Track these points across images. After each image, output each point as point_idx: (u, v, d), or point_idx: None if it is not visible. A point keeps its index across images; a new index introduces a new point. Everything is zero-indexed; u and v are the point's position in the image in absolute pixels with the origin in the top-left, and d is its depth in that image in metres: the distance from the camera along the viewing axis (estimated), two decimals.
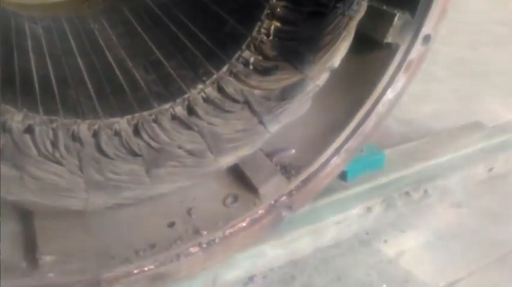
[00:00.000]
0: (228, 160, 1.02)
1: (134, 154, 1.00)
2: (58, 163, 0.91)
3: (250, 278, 1.28)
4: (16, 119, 0.90)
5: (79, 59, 1.28)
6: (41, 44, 1.32)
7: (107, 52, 1.34)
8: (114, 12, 1.59)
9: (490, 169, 1.68)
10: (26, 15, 1.49)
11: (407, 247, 1.43)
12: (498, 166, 1.68)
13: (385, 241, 1.44)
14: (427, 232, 1.48)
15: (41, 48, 1.28)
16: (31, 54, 1.22)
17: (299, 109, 1.06)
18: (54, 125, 0.98)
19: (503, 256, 1.37)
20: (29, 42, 1.28)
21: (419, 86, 2.27)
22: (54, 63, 1.22)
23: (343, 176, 1.43)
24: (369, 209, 1.42)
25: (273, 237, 1.27)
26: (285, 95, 1.05)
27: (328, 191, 1.38)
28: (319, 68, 1.03)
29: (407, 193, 1.49)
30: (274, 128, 1.05)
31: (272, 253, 1.29)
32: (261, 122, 1.05)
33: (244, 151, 1.03)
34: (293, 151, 1.22)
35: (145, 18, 1.49)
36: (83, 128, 1.02)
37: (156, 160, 0.98)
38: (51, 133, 0.96)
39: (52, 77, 1.14)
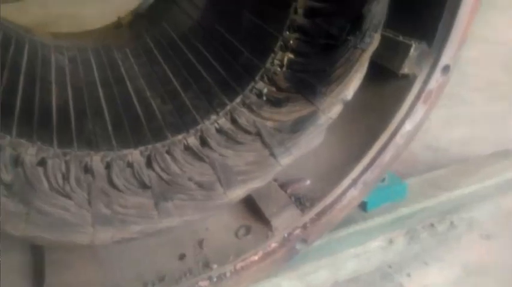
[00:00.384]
0: (237, 193, 1.00)
1: (144, 186, 1.00)
2: (67, 196, 0.92)
3: None
4: (30, 152, 0.92)
5: (100, 90, 1.31)
6: (65, 74, 1.36)
7: (127, 82, 1.37)
8: (138, 41, 1.63)
9: None
10: (53, 45, 1.55)
11: (432, 281, 1.36)
12: None
13: (408, 275, 1.38)
14: (454, 266, 1.40)
15: (64, 79, 1.33)
16: (53, 85, 1.26)
17: (311, 142, 1.04)
18: (67, 158, 1.00)
19: None
20: (53, 73, 1.33)
21: (447, 109, 2.21)
22: (75, 94, 1.25)
23: (363, 206, 1.39)
24: (390, 241, 1.36)
25: (288, 269, 1.24)
26: (297, 127, 1.04)
27: (347, 221, 1.34)
28: (331, 100, 1.01)
29: (431, 225, 1.42)
30: (285, 161, 1.03)
31: (287, 285, 1.26)
32: (272, 155, 1.03)
33: (255, 184, 1.01)
34: (308, 181, 1.19)
35: (166, 47, 1.51)
36: (96, 160, 1.03)
37: (165, 192, 0.98)
38: (63, 166, 0.98)
39: (71, 109, 1.17)
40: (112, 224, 0.89)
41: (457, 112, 2.32)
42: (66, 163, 0.98)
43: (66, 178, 0.95)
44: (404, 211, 1.41)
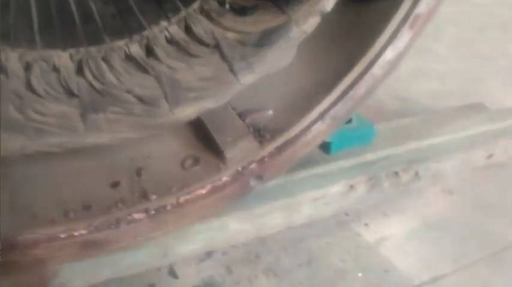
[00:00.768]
0: (186, 112, 0.84)
1: (71, 94, 0.81)
2: None
3: (208, 254, 1.13)
4: None
5: None
6: None
7: None
8: None
9: (489, 156, 1.52)
10: None
11: (390, 233, 1.27)
12: (498, 153, 1.52)
13: (366, 225, 1.29)
14: (413, 219, 1.32)
15: None
16: None
17: (279, 60, 0.87)
18: None
19: (495, 253, 1.22)
20: None
21: (419, 63, 2.11)
22: None
23: (326, 147, 1.27)
24: (351, 187, 1.26)
25: (238, 209, 1.11)
26: (264, 40, 0.87)
27: (307, 162, 1.22)
28: (307, 9, 0.84)
29: (395, 173, 1.32)
30: (247, 78, 0.86)
31: (236, 227, 1.13)
32: (231, 70, 0.86)
33: (208, 103, 0.85)
34: (270, 112, 1.04)
35: None
36: (13, 58, 0.83)
37: (96, 103, 0.80)
38: None
39: None
40: (23, 131, 0.70)
41: (429, 66, 2.23)
42: None
43: None
44: (369, 156, 1.30)
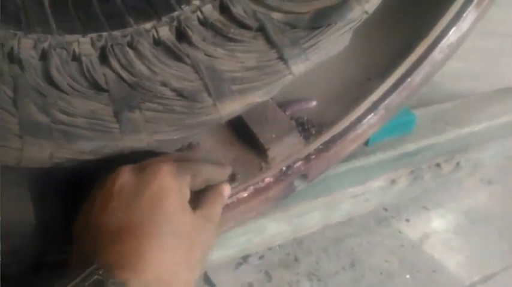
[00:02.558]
0: (232, 107, 0.72)
1: (99, 88, 0.69)
2: None
3: (244, 258, 1.03)
4: None
5: None
6: None
7: None
8: None
9: None
10: None
11: (433, 229, 1.19)
12: None
13: (407, 221, 1.20)
14: (455, 213, 1.24)
15: None
16: None
17: (335, 44, 0.76)
18: None
19: None
20: None
21: None
22: None
23: None
24: (392, 181, 1.16)
25: (275, 209, 1.01)
26: (319, 21, 0.75)
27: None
28: None
29: (437, 165, 1.23)
30: (299, 67, 0.75)
31: (273, 228, 1.03)
32: (281, 58, 0.75)
33: (256, 97, 0.73)
34: (314, 102, 0.93)
35: None
36: (26, 45, 0.70)
37: (130, 98, 0.68)
38: None
39: None
40: (50, 136, 0.59)
41: None
42: None
43: None
44: (410, 147, 1.20)
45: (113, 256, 0.51)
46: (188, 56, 0.78)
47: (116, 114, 0.66)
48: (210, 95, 0.72)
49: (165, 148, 0.71)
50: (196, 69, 0.76)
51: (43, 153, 0.58)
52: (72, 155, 0.61)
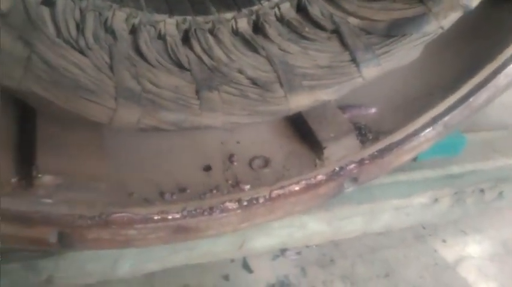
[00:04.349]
0: (301, 101, 0.76)
1: (181, 67, 0.74)
2: (82, 52, 0.66)
3: (283, 251, 1.06)
4: None
5: None
6: None
7: None
8: None
9: None
10: None
11: (469, 253, 1.19)
12: None
13: (444, 241, 1.20)
14: (493, 241, 1.24)
15: None
16: None
17: (407, 54, 0.79)
18: (83, 5, 0.73)
19: None
20: None
21: None
22: None
23: None
24: (435, 200, 1.17)
25: (319, 209, 1.04)
26: (394, 30, 0.78)
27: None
28: (450, 2, 0.75)
29: (481, 190, 1.23)
30: (370, 72, 0.78)
31: (314, 227, 1.06)
32: (353, 61, 0.78)
33: (324, 95, 0.77)
34: (373, 110, 0.96)
35: None
36: (119, 17, 0.76)
37: (210, 79, 0.73)
38: (77, 13, 0.71)
39: None
40: (140, 102, 0.64)
41: None
42: (82, 11, 0.71)
43: (80, 29, 0.68)
44: (455, 169, 1.21)
45: None
46: (263, 48, 0.82)
47: (197, 92, 0.71)
48: (282, 86, 0.77)
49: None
50: (270, 61, 0.80)
51: (132, 117, 0.63)
52: (156, 123, 0.66)
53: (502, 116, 1.80)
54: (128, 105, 0.63)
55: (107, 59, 0.67)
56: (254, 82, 0.77)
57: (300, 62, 0.80)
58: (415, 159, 1.18)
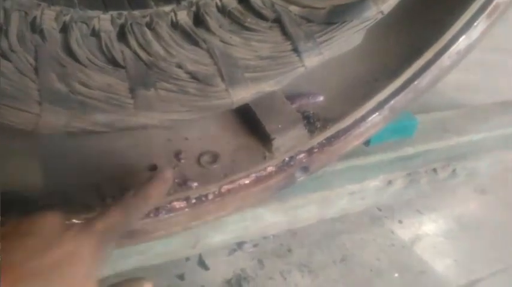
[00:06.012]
0: (244, 94, 0.74)
1: (115, 65, 0.71)
2: (3, 56, 0.61)
3: (239, 245, 1.05)
4: None
5: None
6: None
7: None
8: None
9: None
10: None
11: (424, 232, 1.22)
12: None
13: (400, 222, 1.23)
14: (447, 218, 1.27)
15: None
16: None
17: (348, 42, 0.78)
18: (7, 5, 0.68)
19: None
20: None
21: None
22: None
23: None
24: (389, 182, 1.19)
25: (274, 200, 1.03)
26: (334, 17, 0.77)
27: (346, 154, 1.14)
28: None
29: (434, 170, 1.25)
30: (312, 61, 0.77)
31: (269, 218, 1.05)
32: (295, 50, 0.77)
33: (267, 86, 0.76)
34: (321, 98, 0.95)
35: None
36: (48, 16, 0.72)
37: (146, 76, 0.70)
38: (1, 14, 0.66)
39: None
40: (68, 105, 0.60)
41: None
42: (6, 11, 0.66)
43: (4, 32, 0.64)
44: (409, 150, 1.23)
45: None
46: (204, 41, 0.79)
47: (132, 91, 0.68)
48: (223, 80, 0.74)
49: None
50: (211, 54, 0.77)
51: (59, 121, 0.60)
52: (87, 125, 0.62)
53: (454, 96, 1.85)
54: (54, 109, 0.59)
55: (32, 61, 0.63)
56: (194, 76, 0.74)
57: (242, 53, 0.78)
58: (367, 144, 1.19)
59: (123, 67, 0.71)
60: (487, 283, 1.10)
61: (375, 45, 0.91)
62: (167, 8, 0.83)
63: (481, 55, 2.27)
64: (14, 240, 0.47)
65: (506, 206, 1.34)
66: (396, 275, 1.07)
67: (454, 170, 1.30)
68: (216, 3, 0.85)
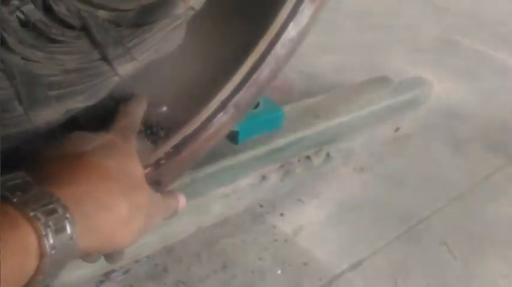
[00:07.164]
0: (48, 115, 0.66)
1: None
2: None
3: (106, 275, 0.96)
4: None
5: None
6: None
7: None
8: None
9: (397, 129, 1.52)
10: None
11: (307, 221, 1.21)
12: (404, 125, 1.53)
13: (282, 215, 1.21)
14: (329, 203, 1.27)
15: None
16: None
17: (165, 43, 0.72)
18: None
19: (409, 229, 1.21)
20: None
21: (321, 36, 2.07)
22: None
23: (233, 137, 1.15)
24: (263, 177, 1.16)
25: None
26: (143, 18, 0.71)
27: (213, 156, 1.09)
28: None
29: (307, 158, 1.25)
30: (125, 68, 0.70)
31: (140, 239, 0.97)
32: (104, 59, 0.69)
33: (75, 103, 0.68)
34: (164, 108, 0.88)
35: None
36: None
37: None
38: None
39: None
40: None
41: (331, 39, 2.19)
42: None
43: None
44: (279, 142, 1.21)
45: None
46: (2, 61, 0.70)
47: None
48: (20, 103, 0.65)
49: None
50: (8, 75, 0.68)
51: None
52: None
53: (335, 79, 1.89)
54: None
55: None
56: None
57: (46, 69, 0.69)
58: (236, 142, 1.15)
59: None
60: (369, 263, 1.11)
61: (207, 43, 0.86)
62: None
63: (357, 35, 2.37)
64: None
65: (384, 180, 1.37)
66: (279, 272, 1.05)
67: (328, 154, 1.31)
68: (18, 17, 0.75)
